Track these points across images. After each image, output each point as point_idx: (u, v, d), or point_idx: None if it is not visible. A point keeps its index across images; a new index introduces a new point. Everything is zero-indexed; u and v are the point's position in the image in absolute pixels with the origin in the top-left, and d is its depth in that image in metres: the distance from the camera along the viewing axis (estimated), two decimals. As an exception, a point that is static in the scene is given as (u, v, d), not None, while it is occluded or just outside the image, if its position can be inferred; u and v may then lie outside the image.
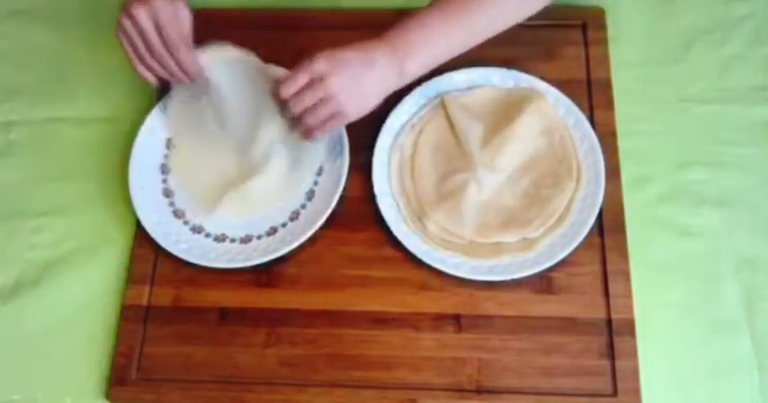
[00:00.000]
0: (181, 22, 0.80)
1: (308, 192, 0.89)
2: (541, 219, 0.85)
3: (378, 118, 0.89)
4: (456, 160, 0.89)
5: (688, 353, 0.82)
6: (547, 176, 0.87)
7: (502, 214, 0.86)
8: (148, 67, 0.83)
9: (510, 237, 0.85)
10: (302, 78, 0.77)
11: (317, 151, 0.89)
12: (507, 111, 0.90)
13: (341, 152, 0.89)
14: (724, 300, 0.83)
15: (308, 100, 0.78)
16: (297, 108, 0.79)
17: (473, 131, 0.89)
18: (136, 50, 0.81)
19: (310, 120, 0.80)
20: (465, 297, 0.84)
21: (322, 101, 0.78)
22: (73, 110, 0.99)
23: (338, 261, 0.87)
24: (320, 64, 0.77)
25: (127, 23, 0.79)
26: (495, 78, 0.92)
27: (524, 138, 0.89)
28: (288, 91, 0.78)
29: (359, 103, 0.79)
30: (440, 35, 0.80)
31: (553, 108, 0.90)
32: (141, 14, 0.78)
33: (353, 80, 0.77)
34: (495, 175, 0.88)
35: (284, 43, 0.98)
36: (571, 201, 0.86)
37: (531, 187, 0.87)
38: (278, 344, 0.84)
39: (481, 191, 0.87)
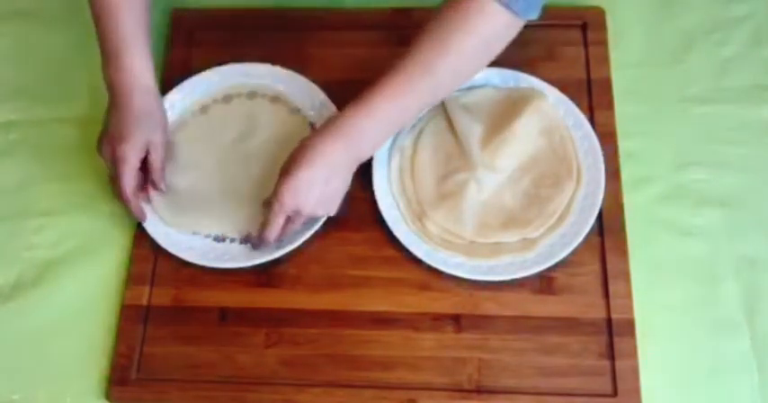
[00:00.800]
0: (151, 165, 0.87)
1: (308, 192, 0.89)
2: (541, 219, 0.85)
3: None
4: (456, 160, 0.89)
5: (688, 353, 0.82)
6: (547, 176, 0.87)
7: (502, 214, 0.86)
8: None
9: (510, 237, 0.85)
10: (280, 221, 0.82)
11: None
12: (507, 111, 0.90)
13: (341, 152, 0.89)
14: (724, 300, 0.83)
15: (290, 230, 0.84)
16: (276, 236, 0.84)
17: (473, 131, 0.89)
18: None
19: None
20: (465, 297, 0.84)
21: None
22: (73, 110, 0.99)
23: (338, 261, 0.87)
24: (288, 203, 0.79)
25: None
26: (495, 78, 0.92)
27: (524, 138, 0.89)
28: (273, 236, 0.83)
29: (332, 205, 0.83)
30: (392, 115, 0.80)
31: (553, 108, 0.90)
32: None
33: (321, 196, 0.80)
34: (495, 175, 0.88)
35: (284, 43, 0.98)
36: (571, 201, 0.86)
37: (531, 187, 0.87)
38: (278, 344, 0.84)
39: (481, 191, 0.87)
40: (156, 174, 0.87)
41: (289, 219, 0.83)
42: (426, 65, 0.77)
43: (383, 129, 0.81)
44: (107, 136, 0.85)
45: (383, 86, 0.78)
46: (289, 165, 0.80)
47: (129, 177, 0.84)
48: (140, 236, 0.89)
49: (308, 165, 0.78)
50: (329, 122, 0.80)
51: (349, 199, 0.86)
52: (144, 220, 0.87)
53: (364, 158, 0.83)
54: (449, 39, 0.76)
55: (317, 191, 0.79)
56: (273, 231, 0.82)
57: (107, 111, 0.86)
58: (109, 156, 0.85)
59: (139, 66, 0.85)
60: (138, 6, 0.85)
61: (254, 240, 0.86)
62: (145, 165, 0.86)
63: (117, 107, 0.85)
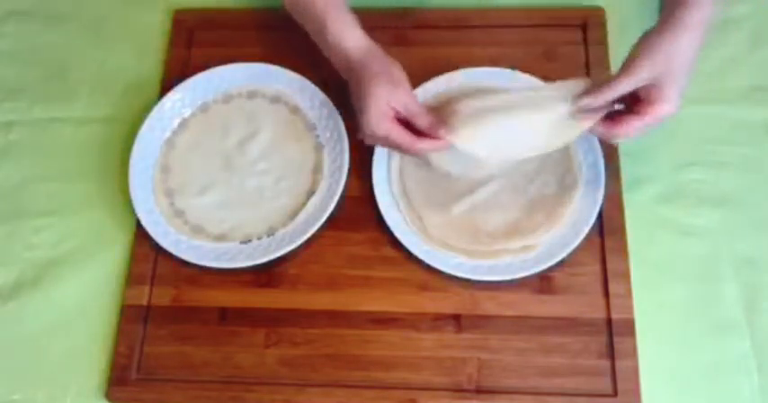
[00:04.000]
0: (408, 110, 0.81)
1: (308, 192, 0.89)
2: (547, 225, 0.85)
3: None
4: (456, 160, 0.89)
5: (688, 354, 0.82)
6: (551, 183, 0.87)
7: (506, 224, 0.86)
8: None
9: (514, 245, 0.85)
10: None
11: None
12: None
13: (341, 152, 0.89)
14: (724, 300, 0.83)
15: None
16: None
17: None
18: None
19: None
20: (465, 297, 0.84)
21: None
22: (73, 110, 0.99)
23: (338, 261, 0.87)
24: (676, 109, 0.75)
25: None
26: (495, 78, 0.92)
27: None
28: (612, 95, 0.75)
29: None
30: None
31: None
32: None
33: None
34: (498, 182, 0.88)
35: (284, 43, 0.98)
36: (571, 200, 0.86)
37: (537, 195, 0.87)
38: (278, 344, 0.84)
39: (483, 198, 0.87)
40: (421, 118, 0.80)
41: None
42: None
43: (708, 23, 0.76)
44: (364, 114, 0.80)
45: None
46: (668, 71, 0.73)
47: (423, 119, 0.80)
48: (140, 236, 0.89)
49: (688, 75, 0.75)
50: (678, 24, 0.74)
51: (348, 198, 0.87)
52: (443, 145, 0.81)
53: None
54: None
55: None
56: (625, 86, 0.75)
57: (351, 98, 0.84)
58: (381, 126, 0.80)
59: (347, 34, 0.84)
60: None
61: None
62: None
63: (352, 84, 0.83)
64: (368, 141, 0.84)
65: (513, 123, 0.80)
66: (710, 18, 0.75)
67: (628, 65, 0.74)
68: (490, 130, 0.80)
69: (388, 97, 0.80)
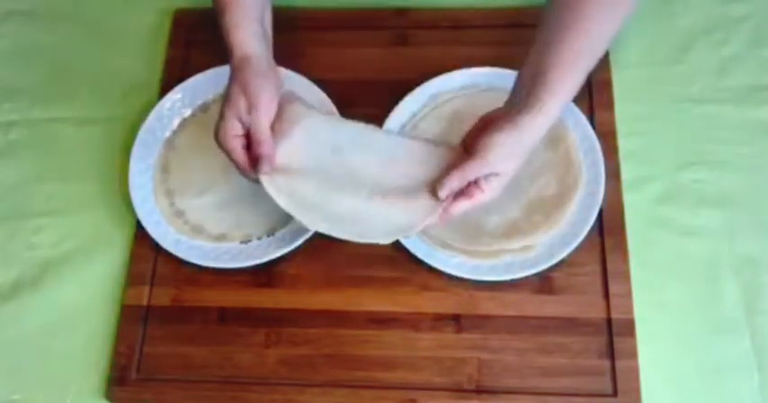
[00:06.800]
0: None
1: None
2: (546, 226, 0.85)
3: (378, 118, 0.89)
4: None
5: (688, 353, 0.82)
6: (552, 185, 0.87)
7: (506, 224, 0.86)
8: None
9: (514, 245, 0.85)
10: (479, 204, 0.76)
11: None
12: None
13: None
14: (724, 300, 0.83)
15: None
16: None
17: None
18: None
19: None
20: (465, 297, 0.84)
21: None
22: (73, 110, 0.99)
23: (338, 261, 0.87)
24: (495, 196, 0.76)
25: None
26: (495, 78, 0.92)
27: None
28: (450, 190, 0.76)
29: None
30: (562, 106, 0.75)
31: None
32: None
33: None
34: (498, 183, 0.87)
35: (284, 43, 0.98)
36: (571, 200, 0.86)
37: (536, 196, 0.87)
38: (278, 344, 0.84)
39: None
40: (259, 147, 0.78)
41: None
42: (590, 44, 0.74)
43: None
44: (219, 120, 0.79)
45: (556, 80, 0.73)
46: (503, 165, 0.74)
47: (233, 146, 0.78)
48: (140, 236, 0.89)
49: (515, 168, 0.75)
50: (525, 121, 0.73)
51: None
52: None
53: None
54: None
55: (512, 173, 0.76)
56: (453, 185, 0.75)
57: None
58: (227, 140, 0.79)
59: (241, 39, 0.80)
60: None
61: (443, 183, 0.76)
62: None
63: (228, 83, 0.80)
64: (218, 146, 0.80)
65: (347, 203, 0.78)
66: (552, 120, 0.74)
67: (484, 153, 0.73)
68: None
69: (244, 114, 0.78)
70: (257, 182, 0.79)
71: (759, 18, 0.97)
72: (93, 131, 0.97)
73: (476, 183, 0.75)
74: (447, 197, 0.75)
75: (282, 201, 0.78)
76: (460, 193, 0.76)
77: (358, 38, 0.98)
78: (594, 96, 0.92)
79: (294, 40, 0.98)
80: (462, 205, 0.76)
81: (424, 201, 0.77)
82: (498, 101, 0.91)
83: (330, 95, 0.92)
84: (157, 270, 0.88)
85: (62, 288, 0.89)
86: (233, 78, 0.79)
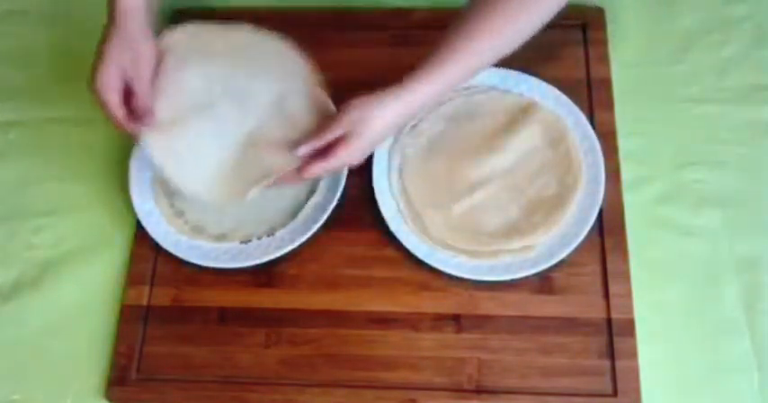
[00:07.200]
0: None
1: (308, 192, 0.89)
2: (546, 226, 0.85)
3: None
4: (456, 162, 0.89)
5: (688, 353, 0.82)
6: (552, 185, 0.87)
7: (506, 224, 0.86)
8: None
9: (514, 246, 0.85)
10: (335, 168, 0.78)
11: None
12: (510, 118, 0.90)
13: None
14: (724, 300, 0.83)
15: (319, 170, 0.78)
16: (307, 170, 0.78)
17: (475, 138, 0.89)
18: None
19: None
20: (465, 297, 0.84)
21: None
22: (73, 110, 0.99)
23: (338, 261, 0.87)
24: (356, 162, 0.78)
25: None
26: (495, 79, 0.92)
27: (528, 148, 0.88)
28: (310, 149, 0.78)
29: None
30: (452, 82, 0.78)
31: (557, 118, 0.89)
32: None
33: (374, 144, 0.79)
34: (497, 183, 0.88)
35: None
36: (571, 200, 0.86)
37: (536, 196, 0.87)
38: (278, 344, 0.84)
39: (482, 199, 0.87)
40: (139, 99, 0.79)
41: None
42: (492, 26, 0.76)
43: (441, 95, 0.79)
44: (96, 67, 0.79)
45: (448, 55, 0.77)
46: (359, 126, 0.76)
47: (112, 99, 0.78)
48: (140, 236, 0.89)
49: (381, 135, 0.77)
50: (397, 89, 0.77)
51: (348, 198, 0.87)
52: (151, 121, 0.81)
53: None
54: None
55: (379, 139, 0.79)
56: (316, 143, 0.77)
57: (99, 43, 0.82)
58: (105, 89, 0.79)
59: None
60: None
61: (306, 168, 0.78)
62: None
63: (106, 31, 0.81)
64: (92, 95, 0.79)
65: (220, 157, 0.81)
66: (439, 93, 0.77)
67: (340, 114, 0.76)
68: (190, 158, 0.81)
69: (129, 68, 0.78)
70: (136, 137, 0.80)
71: (759, 18, 0.97)
72: (93, 131, 0.97)
73: (335, 145, 0.76)
74: (305, 154, 0.77)
75: (157, 161, 0.80)
76: (319, 154, 0.77)
77: (358, 38, 0.98)
78: (594, 96, 0.92)
79: (294, 40, 0.98)
80: (318, 165, 0.77)
81: (286, 157, 0.79)
82: (498, 101, 0.92)
83: (330, 95, 0.92)
84: (157, 270, 0.88)
85: (62, 288, 0.89)
86: (115, 29, 0.79)
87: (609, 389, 0.80)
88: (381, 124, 0.76)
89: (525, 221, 0.86)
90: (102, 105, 0.79)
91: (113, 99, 0.78)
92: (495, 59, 0.79)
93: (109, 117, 0.79)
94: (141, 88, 0.79)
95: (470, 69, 0.78)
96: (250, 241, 0.88)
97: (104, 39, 0.80)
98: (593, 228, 0.84)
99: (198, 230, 0.89)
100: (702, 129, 0.91)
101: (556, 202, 0.86)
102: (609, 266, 0.84)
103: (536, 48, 0.95)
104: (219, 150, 0.82)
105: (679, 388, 0.80)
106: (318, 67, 0.93)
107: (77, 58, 1.01)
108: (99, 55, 0.79)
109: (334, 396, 0.81)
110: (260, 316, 0.85)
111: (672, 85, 0.94)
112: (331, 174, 0.85)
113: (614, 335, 0.81)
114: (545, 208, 0.86)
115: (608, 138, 0.89)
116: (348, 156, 0.77)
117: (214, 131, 0.83)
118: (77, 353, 0.86)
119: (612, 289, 0.83)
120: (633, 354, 0.80)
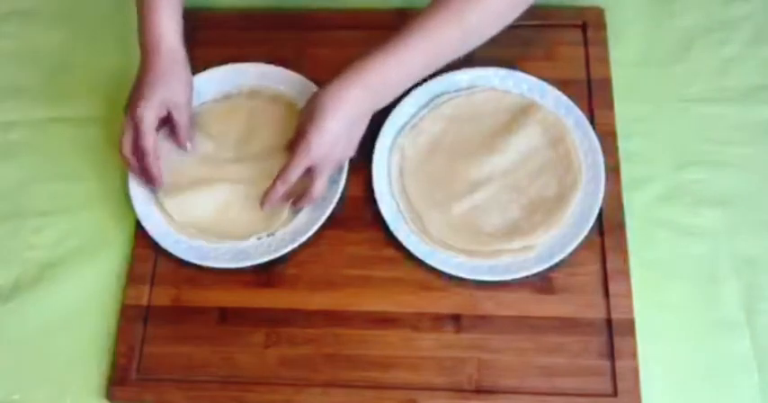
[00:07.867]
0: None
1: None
2: (546, 226, 0.85)
3: (378, 118, 0.89)
4: (456, 162, 0.89)
5: (688, 353, 0.82)
6: (552, 185, 0.87)
7: (506, 224, 0.86)
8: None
9: (514, 246, 0.85)
10: (300, 170, 0.82)
11: None
12: (510, 118, 0.90)
13: (340, 152, 0.89)
14: (724, 300, 0.83)
15: (300, 188, 0.84)
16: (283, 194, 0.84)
17: (474, 137, 0.89)
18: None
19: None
20: (465, 297, 0.84)
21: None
22: (73, 110, 0.99)
23: (338, 261, 0.87)
24: (316, 152, 0.80)
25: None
26: (495, 79, 0.92)
27: (528, 148, 0.88)
28: (289, 181, 0.82)
29: (352, 150, 0.85)
30: (416, 64, 0.80)
31: (557, 118, 0.89)
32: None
33: (346, 144, 0.82)
34: (496, 183, 0.88)
35: (284, 43, 0.98)
36: (571, 200, 0.86)
37: (537, 196, 0.87)
38: (278, 344, 0.84)
39: (483, 199, 0.87)
40: (181, 133, 0.87)
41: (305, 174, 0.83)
42: (455, 12, 0.76)
43: (406, 78, 0.81)
44: (130, 98, 0.85)
45: (409, 34, 0.77)
46: (313, 113, 0.79)
47: (149, 136, 0.83)
48: (140, 236, 0.89)
49: (334, 115, 0.78)
50: (351, 69, 0.79)
51: (348, 198, 0.87)
52: (160, 184, 0.87)
53: (383, 106, 0.84)
54: None
55: (343, 140, 0.81)
56: (293, 175, 0.81)
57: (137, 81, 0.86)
58: (129, 118, 0.84)
59: (164, 26, 0.84)
60: None
61: (268, 195, 0.84)
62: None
63: (142, 68, 0.85)
64: (126, 124, 0.84)
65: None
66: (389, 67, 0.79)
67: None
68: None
69: (172, 98, 0.84)
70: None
71: (759, 18, 0.97)
72: (93, 131, 0.97)
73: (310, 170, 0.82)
74: (283, 200, 0.85)
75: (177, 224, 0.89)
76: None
77: (358, 38, 0.98)
78: (594, 96, 0.92)
79: (294, 40, 0.98)
80: (302, 203, 0.85)
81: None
82: (498, 101, 0.92)
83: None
84: (157, 270, 0.88)
85: (62, 288, 0.89)
86: (153, 58, 0.83)
87: (609, 389, 0.80)
88: (331, 106, 0.78)
89: (525, 221, 0.86)
90: (137, 138, 0.83)
91: (149, 142, 0.83)
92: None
93: (140, 149, 0.84)
94: (181, 118, 0.86)
95: (424, 51, 0.79)
96: (250, 241, 0.88)
97: (143, 69, 0.83)
98: (593, 228, 0.84)
99: (198, 230, 0.89)
100: (702, 129, 0.91)
101: (556, 202, 0.86)
102: (609, 266, 0.84)
103: (536, 48, 0.96)
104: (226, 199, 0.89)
105: (679, 388, 0.80)
106: (319, 68, 0.94)
107: (78, 58, 1.02)
108: (139, 88, 0.83)
109: (333, 396, 0.81)
110: (260, 316, 0.85)
111: (672, 84, 0.94)
112: (332, 175, 0.85)
113: (614, 335, 0.81)
114: (545, 208, 0.86)
115: (608, 138, 0.89)
116: (317, 149, 0.79)
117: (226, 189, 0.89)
118: (77, 354, 0.86)
119: (612, 289, 0.83)
120: (633, 354, 0.80)
